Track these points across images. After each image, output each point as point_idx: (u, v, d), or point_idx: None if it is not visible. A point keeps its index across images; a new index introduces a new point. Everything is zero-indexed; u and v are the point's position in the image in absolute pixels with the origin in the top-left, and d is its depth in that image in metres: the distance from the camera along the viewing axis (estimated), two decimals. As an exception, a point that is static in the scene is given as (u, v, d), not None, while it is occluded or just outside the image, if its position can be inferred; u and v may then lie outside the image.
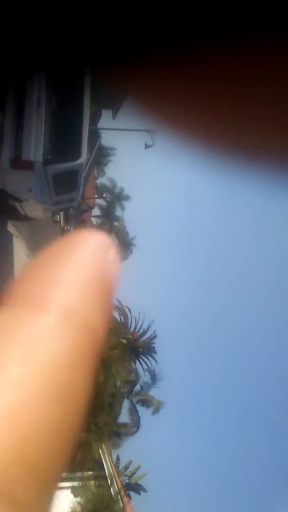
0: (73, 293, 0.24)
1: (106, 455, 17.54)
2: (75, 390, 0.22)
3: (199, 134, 0.36)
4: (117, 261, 0.28)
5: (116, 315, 20.23)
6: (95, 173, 38.48)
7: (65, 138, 7.19)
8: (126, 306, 21.92)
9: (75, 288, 0.24)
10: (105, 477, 15.87)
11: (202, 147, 0.37)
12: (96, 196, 41.16)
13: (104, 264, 0.27)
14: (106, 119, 16.39)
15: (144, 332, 21.40)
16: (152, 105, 0.37)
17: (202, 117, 0.35)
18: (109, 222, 42.12)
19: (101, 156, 34.03)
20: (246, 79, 0.31)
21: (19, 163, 6.73)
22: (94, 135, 11.66)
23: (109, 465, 17.11)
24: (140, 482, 26.54)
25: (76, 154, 7.24)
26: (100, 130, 16.22)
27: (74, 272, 0.25)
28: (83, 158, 7.37)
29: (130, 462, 27.03)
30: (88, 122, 7.36)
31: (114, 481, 14.93)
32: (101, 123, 16.90)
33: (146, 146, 19.01)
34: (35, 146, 6.71)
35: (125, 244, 43.67)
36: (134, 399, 22.89)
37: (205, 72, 0.31)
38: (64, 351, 0.22)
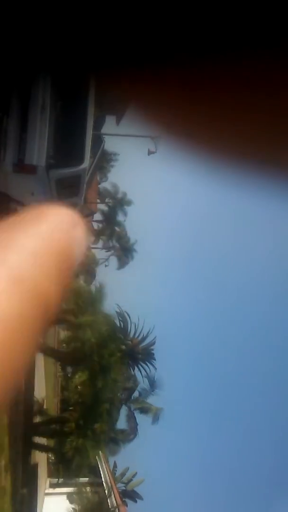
0: (27, 260, 0.25)
1: (103, 462, 17.42)
2: (17, 352, 0.23)
3: (202, 142, 0.36)
4: (83, 237, 0.29)
5: (116, 320, 20.17)
6: (98, 178, 38.57)
7: (69, 143, 7.21)
8: (126, 312, 21.86)
9: (30, 256, 0.25)
10: (101, 484, 15.74)
11: (205, 154, 0.37)
12: (98, 201, 41.23)
13: (67, 238, 0.28)
14: (109, 125, 16.47)
15: (144, 338, 21.32)
16: (156, 112, 0.37)
17: (205, 125, 0.35)
18: (111, 227, 42.15)
19: (104, 162, 34.14)
20: (248, 89, 0.31)
21: (22, 167, 6.75)
22: (98, 140, 11.70)
23: (106, 472, 16.99)
24: (137, 489, 26.36)
25: (79, 159, 7.27)
26: (104, 136, 16.29)
27: (33, 241, 0.26)
28: (86, 164, 7.39)
29: (127, 469, 26.85)
30: (91, 128, 7.39)
31: (111, 488, 14.80)
32: (105, 129, 16.98)
33: (149, 153, 19.07)
34: (39, 150, 6.73)
35: (126, 250, 43.64)
36: (132, 406, 22.77)
37: (209, 81, 0.32)
38: (10, 313, 0.23)
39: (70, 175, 7.45)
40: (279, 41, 0.30)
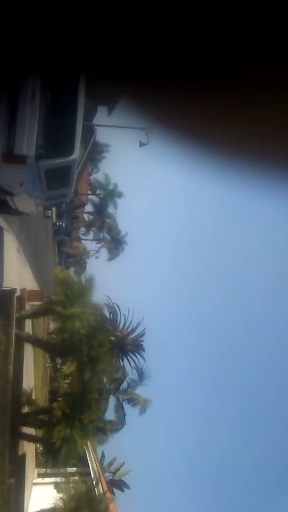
0: None
1: (91, 452, 17.51)
2: None
3: (195, 134, 0.37)
4: None
5: (106, 312, 20.17)
6: (89, 169, 38.27)
7: (59, 133, 7.14)
8: (116, 303, 21.87)
9: None
10: (89, 474, 15.84)
11: (198, 147, 0.37)
12: (89, 192, 40.98)
13: None
14: (101, 116, 16.34)
15: (133, 330, 21.36)
16: (149, 104, 0.37)
17: (199, 118, 0.35)
18: (102, 218, 41.94)
19: (95, 152, 33.87)
20: (246, 82, 0.31)
21: (11, 157, 6.68)
22: (89, 131, 11.63)
23: (94, 462, 17.08)
24: (124, 478, 26.59)
25: (69, 150, 7.21)
26: (95, 126, 16.15)
27: None
28: (76, 154, 7.33)
29: (115, 459, 27.04)
30: (82, 118, 7.33)
31: (98, 478, 14.90)
32: (97, 120, 16.84)
33: (141, 144, 19.00)
34: (28, 140, 6.66)
35: (116, 241, 43.50)
36: (121, 396, 22.86)
37: (205, 74, 0.32)
38: None
39: (60, 166, 7.39)
40: (280, 38, 0.30)
